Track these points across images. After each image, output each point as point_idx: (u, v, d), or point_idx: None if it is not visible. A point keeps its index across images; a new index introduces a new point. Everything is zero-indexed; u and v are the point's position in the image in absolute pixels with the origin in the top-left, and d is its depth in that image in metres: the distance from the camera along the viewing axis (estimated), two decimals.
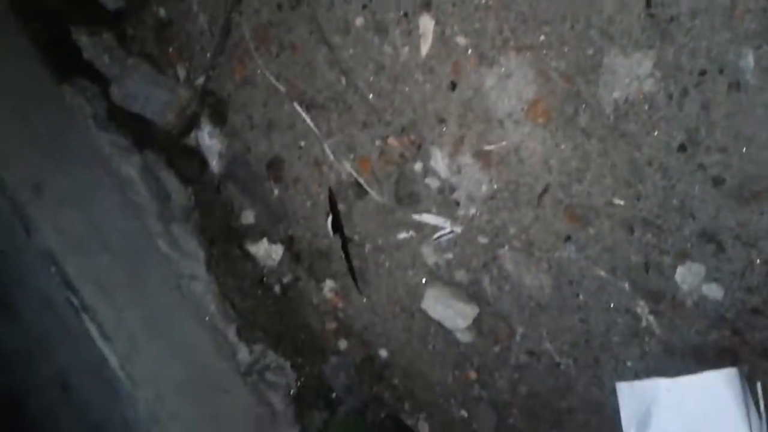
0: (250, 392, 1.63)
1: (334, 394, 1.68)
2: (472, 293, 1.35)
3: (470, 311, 1.33)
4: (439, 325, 1.41)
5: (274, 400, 1.64)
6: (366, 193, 1.43)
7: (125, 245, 1.61)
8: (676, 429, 1.02)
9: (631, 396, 1.08)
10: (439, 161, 1.30)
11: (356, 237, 1.47)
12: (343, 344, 1.63)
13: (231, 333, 1.65)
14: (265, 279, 1.69)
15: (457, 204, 1.31)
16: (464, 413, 1.49)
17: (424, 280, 1.42)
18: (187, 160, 1.72)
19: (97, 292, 1.52)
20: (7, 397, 1.84)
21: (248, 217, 1.68)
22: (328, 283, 1.59)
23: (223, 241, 1.72)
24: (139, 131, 1.71)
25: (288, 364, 1.66)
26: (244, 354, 1.64)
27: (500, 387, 1.40)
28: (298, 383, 1.66)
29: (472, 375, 1.43)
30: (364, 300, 1.53)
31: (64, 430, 1.66)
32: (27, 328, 1.64)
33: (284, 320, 1.69)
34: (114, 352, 1.49)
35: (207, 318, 1.64)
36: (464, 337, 1.39)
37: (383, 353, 1.56)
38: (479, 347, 1.39)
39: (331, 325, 1.63)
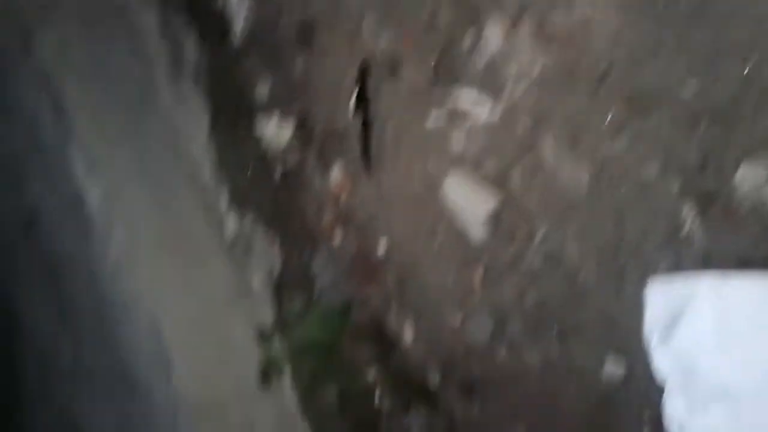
0: (229, 263, 1.50)
1: (317, 288, 1.56)
2: (498, 184, 1.24)
3: (492, 200, 1.22)
4: (453, 217, 1.30)
5: (254, 278, 1.52)
6: (401, 68, 1.31)
7: (128, 88, 1.48)
8: (712, 333, 0.91)
9: (664, 293, 0.97)
10: (493, 35, 1.19)
11: (380, 119, 1.36)
12: (338, 237, 1.52)
13: (222, 201, 1.52)
14: (267, 158, 1.57)
15: (503, 84, 1.20)
16: (456, 321, 1.38)
17: (447, 169, 1.31)
18: (209, 22, 1.58)
19: (89, 120, 1.39)
20: None
21: (263, 90, 1.56)
22: (337, 167, 1.47)
23: (232, 114, 1.59)
24: None
25: (277, 243, 1.53)
26: (231, 223, 1.51)
27: (505, 294, 1.29)
28: (283, 267, 1.54)
29: (476, 278, 1.33)
30: (373, 187, 1.42)
31: (21, 264, 1.51)
32: None
33: (279, 204, 1.57)
34: (95, 186, 1.36)
35: (199, 180, 1.51)
36: (477, 234, 1.29)
37: (381, 248, 1.44)
38: (492, 247, 1.28)
39: (330, 215, 1.52)
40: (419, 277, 1.40)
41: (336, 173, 1.48)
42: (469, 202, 1.24)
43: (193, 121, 1.52)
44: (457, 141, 1.28)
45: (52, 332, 1.51)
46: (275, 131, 1.54)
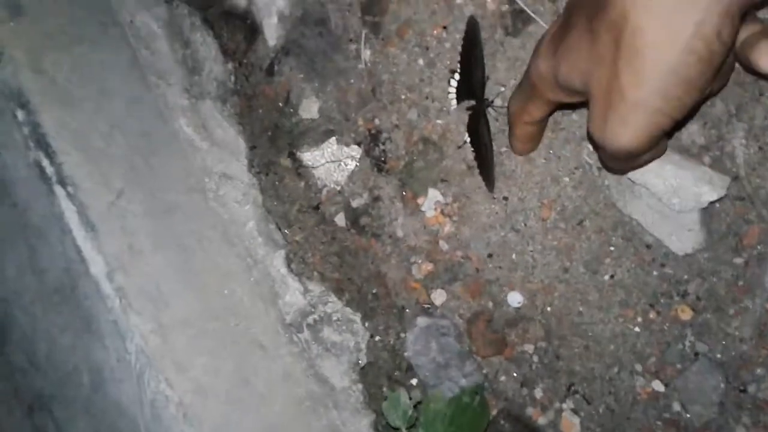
0: (297, 355, 1.03)
1: (415, 380, 1.09)
2: (713, 163, 0.83)
3: (719, 181, 0.80)
4: (635, 225, 0.88)
5: (333, 373, 1.04)
6: (529, 22, 0.93)
7: (131, 115, 1.05)
8: None
9: None
10: None
11: (500, 100, 0.96)
12: (440, 297, 1.07)
13: (276, 263, 1.07)
14: (324, 199, 1.15)
15: None
16: (656, 384, 0.93)
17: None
18: (230, 26, 1.20)
19: (83, 161, 0.95)
20: None
21: (310, 109, 1.15)
22: (432, 196, 1.05)
23: (267, 146, 1.18)
24: None
25: (358, 318, 1.08)
26: (294, 295, 1.05)
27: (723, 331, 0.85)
28: (368, 350, 1.08)
29: (684, 314, 0.89)
30: (493, 216, 1.00)
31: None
32: None
33: (346, 264, 1.13)
34: (100, 251, 0.90)
35: (242, 237, 1.07)
36: (684, 245, 0.86)
37: (514, 300, 1.00)
38: (701, 266, 0.86)
39: (425, 268, 1.08)
40: (575, 335, 0.95)
41: (430, 205, 1.05)
42: (687, 183, 0.81)
43: (225, 154, 1.09)
44: None
45: None
46: (332, 161, 1.13)
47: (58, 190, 0.92)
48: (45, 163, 0.92)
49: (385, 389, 1.06)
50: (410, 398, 1.00)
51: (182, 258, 0.99)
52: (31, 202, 0.95)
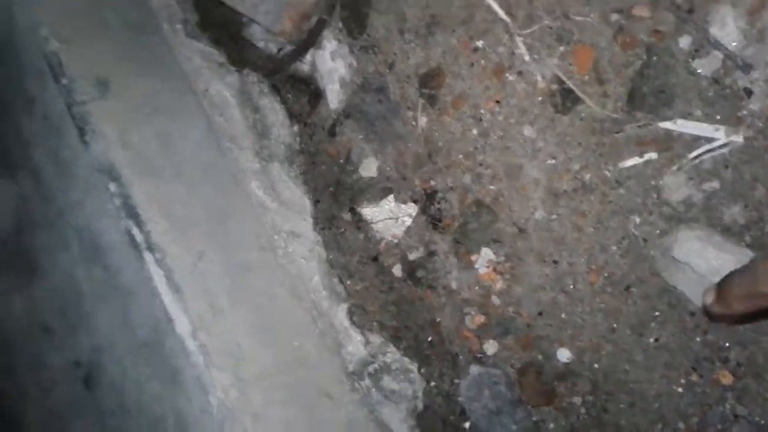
0: (359, 402, 1.11)
1: (468, 424, 1.16)
2: (753, 243, 0.88)
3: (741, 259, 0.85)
4: (679, 294, 0.93)
5: (393, 419, 1.12)
6: (577, 102, 0.99)
7: (207, 180, 1.14)
8: None
9: None
10: (729, 25, 0.87)
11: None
12: (492, 348, 1.14)
13: (340, 315, 1.15)
14: (382, 253, 1.22)
15: (747, 94, 0.87)
16: None
17: (659, 230, 0.95)
18: (295, 90, 1.28)
19: (168, 228, 1.04)
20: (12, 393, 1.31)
21: (369, 167, 1.23)
22: (485, 254, 1.11)
23: (329, 201, 1.26)
24: (235, 48, 1.29)
25: (415, 368, 1.15)
26: (356, 346, 1.13)
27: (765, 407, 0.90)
28: (425, 398, 1.15)
29: (725, 379, 0.94)
30: (546, 271, 1.06)
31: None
32: (52, 285, 1.15)
33: (403, 312, 1.20)
34: (185, 312, 1.00)
35: (308, 291, 1.15)
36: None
37: (563, 356, 1.06)
38: (741, 335, 0.91)
39: (477, 320, 1.14)
40: (621, 391, 1.01)
41: (483, 263, 1.12)
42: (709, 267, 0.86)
43: (292, 213, 1.17)
44: (674, 188, 0.93)
45: None
46: (390, 218, 1.20)
47: (147, 255, 1.01)
48: (135, 231, 1.02)
49: None
50: None
51: (256, 314, 1.07)
52: (122, 265, 1.04)
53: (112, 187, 1.02)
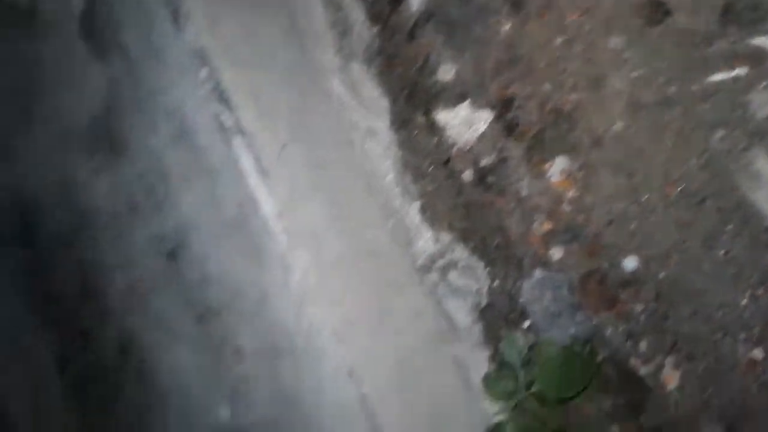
0: (426, 295, 1.17)
1: (527, 323, 1.20)
2: None
3: None
4: (755, 210, 0.95)
5: (458, 311, 1.17)
6: (668, 14, 0.98)
7: (290, 75, 1.17)
8: None
9: None
10: None
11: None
12: (557, 253, 1.17)
13: (412, 213, 1.19)
14: (455, 156, 1.25)
15: None
16: (753, 356, 1.01)
17: (742, 145, 0.96)
18: None
19: (257, 116, 1.08)
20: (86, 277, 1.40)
21: (447, 72, 1.24)
22: (559, 162, 1.13)
23: (405, 104, 1.28)
24: None
25: (481, 265, 1.19)
26: (426, 242, 1.18)
27: None
28: (488, 296, 1.20)
29: None
30: (620, 182, 1.07)
31: (169, 311, 1.21)
32: (140, 166, 1.21)
33: (472, 216, 1.24)
34: (271, 194, 1.04)
35: (382, 188, 1.19)
36: None
37: (630, 264, 1.09)
38: None
39: (545, 226, 1.17)
40: (685, 301, 1.04)
41: (556, 171, 1.14)
42: None
43: (370, 111, 1.20)
44: (760, 104, 0.93)
45: (205, 384, 1.20)
46: (465, 123, 1.22)
47: (236, 139, 1.06)
48: (225, 115, 1.06)
49: (502, 330, 1.18)
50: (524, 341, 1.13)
51: (334, 205, 1.12)
52: (210, 147, 1.09)
53: (204, 72, 1.05)
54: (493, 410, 1.09)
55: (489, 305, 1.20)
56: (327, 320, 1.02)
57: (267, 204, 1.02)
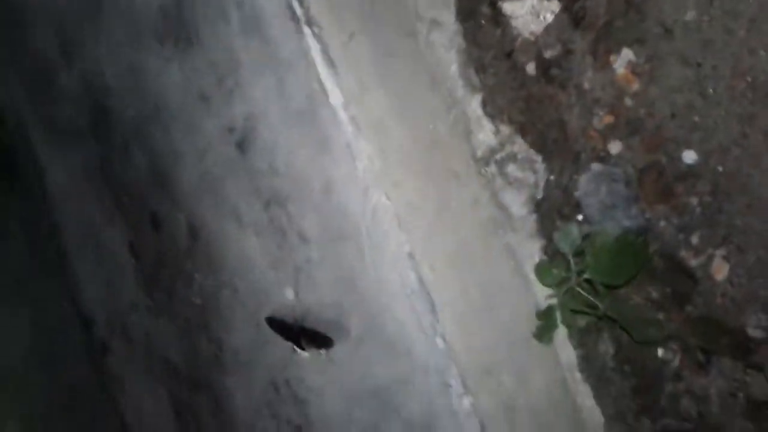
0: (484, 185, 1.20)
1: (581, 216, 1.23)
2: None
3: None
4: None
5: (513, 203, 1.21)
6: None
7: None
8: None
9: None
10: None
11: None
12: (616, 147, 1.18)
13: (473, 105, 1.21)
14: (519, 48, 1.25)
15: None
16: None
17: None
18: None
19: (325, 4, 1.10)
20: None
21: None
22: (625, 54, 1.12)
23: None
24: None
25: (539, 159, 1.22)
26: (486, 134, 1.21)
27: None
28: (545, 189, 1.23)
29: None
30: (687, 73, 1.07)
31: (238, 199, 1.27)
32: (210, 56, 1.24)
33: (532, 110, 1.25)
34: (338, 85, 1.08)
35: (445, 79, 1.21)
36: None
37: (689, 158, 1.10)
38: None
39: (606, 120, 1.18)
40: (741, 194, 1.05)
41: (622, 64, 1.14)
42: None
43: (435, 4, 1.20)
44: None
45: (271, 267, 1.28)
46: (532, 12, 1.21)
47: (306, 29, 1.08)
48: (295, 5, 1.08)
49: (556, 222, 1.22)
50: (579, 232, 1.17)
51: (398, 95, 1.15)
52: (280, 37, 1.12)
53: None
54: (544, 296, 1.14)
55: (544, 198, 1.23)
56: (390, 205, 1.06)
57: (334, 94, 1.05)
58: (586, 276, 1.11)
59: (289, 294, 1.28)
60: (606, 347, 1.19)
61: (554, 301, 1.14)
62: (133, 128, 1.47)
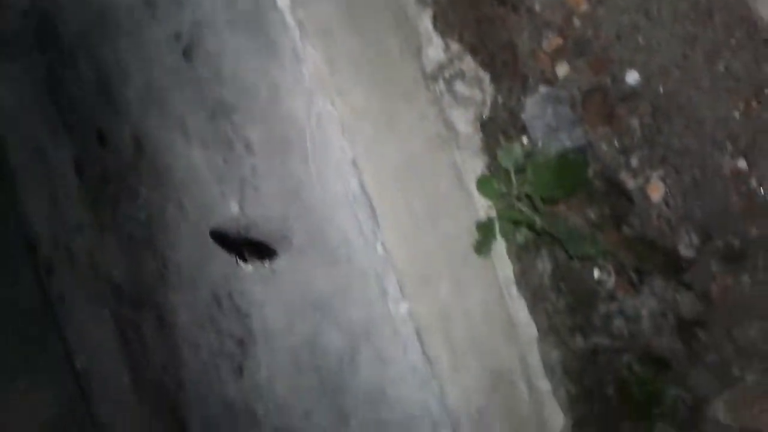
0: (432, 101, 1.21)
1: (525, 138, 1.25)
2: None
3: None
4: (763, 23, 0.96)
5: (460, 120, 1.22)
6: None
7: None
8: None
9: None
10: None
11: None
12: (563, 69, 1.19)
13: (425, 21, 1.21)
14: None
15: None
16: (734, 168, 1.06)
17: None
18: None
19: None
20: None
21: None
22: None
23: None
24: None
25: (488, 77, 1.22)
26: (436, 50, 1.20)
27: None
28: (491, 107, 1.24)
29: None
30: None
31: (183, 109, 1.25)
32: None
33: (483, 31, 1.25)
34: None
35: None
36: None
37: (632, 78, 1.12)
38: None
39: (554, 42, 1.19)
40: (680, 115, 1.08)
41: None
42: None
43: None
44: None
45: (216, 180, 1.26)
46: None
47: None
48: None
49: (501, 141, 1.23)
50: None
51: (348, 4, 1.13)
52: None
53: None
54: (485, 209, 1.16)
55: (491, 118, 1.24)
56: (334, 112, 1.06)
57: None
58: (526, 191, 1.13)
59: (234, 207, 1.27)
60: (543, 264, 1.22)
61: (494, 213, 1.16)
62: (78, 38, 1.42)
